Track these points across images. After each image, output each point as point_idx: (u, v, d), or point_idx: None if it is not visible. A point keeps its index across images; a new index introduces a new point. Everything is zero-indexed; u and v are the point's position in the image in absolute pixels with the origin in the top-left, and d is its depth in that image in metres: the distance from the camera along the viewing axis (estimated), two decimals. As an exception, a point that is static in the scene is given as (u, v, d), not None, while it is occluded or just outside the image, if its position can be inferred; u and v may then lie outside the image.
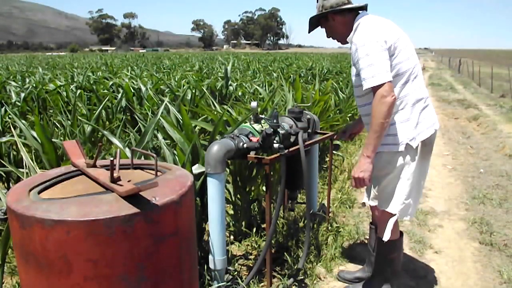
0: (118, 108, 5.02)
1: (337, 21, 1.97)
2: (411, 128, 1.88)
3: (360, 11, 1.97)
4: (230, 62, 8.09)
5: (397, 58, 1.83)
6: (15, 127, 3.45)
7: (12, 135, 3.25)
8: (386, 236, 2.01)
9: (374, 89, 1.77)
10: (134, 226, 1.10)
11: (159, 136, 2.62)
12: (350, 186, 3.95)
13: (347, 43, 2.02)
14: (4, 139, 3.26)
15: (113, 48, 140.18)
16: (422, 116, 1.90)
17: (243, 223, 2.84)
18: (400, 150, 1.88)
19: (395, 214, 1.98)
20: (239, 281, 2.15)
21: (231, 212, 2.94)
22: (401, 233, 2.14)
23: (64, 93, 5.74)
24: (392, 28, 1.88)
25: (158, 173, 1.40)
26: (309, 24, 2.07)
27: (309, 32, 2.10)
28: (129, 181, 1.20)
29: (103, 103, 4.12)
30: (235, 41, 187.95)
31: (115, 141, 2.52)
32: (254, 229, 2.72)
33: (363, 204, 2.21)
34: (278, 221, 2.73)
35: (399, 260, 2.15)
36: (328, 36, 2.07)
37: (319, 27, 2.09)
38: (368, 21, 1.88)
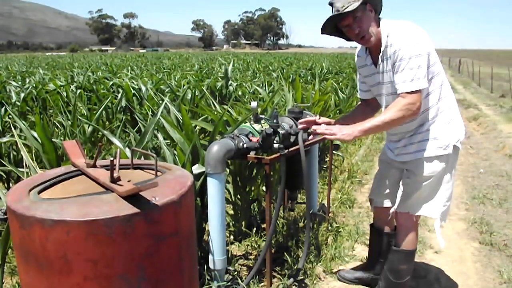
0: (118, 108, 5.02)
1: (372, 15, 1.80)
2: (455, 128, 1.84)
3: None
4: (230, 62, 8.08)
5: (432, 58, 1.77)
6: (15, 127, 3.46)
7: (12, 135, 3.26)
8: (412, 246, 1.98)
9: (406, 92, 1.70)
10: (134, 226, 1.10)
11: (159, 136, 2.62)
12: (350, 186, 3.95)
13: (372, 43, 1.83)
14: (4, 139, 3.26)
15: (113, 48, 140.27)
16: (459, 117, 1.88)
17: (243, 223, 2.84)
18: (446, 153, 1.81)
19: (418, 222, 1.95)
20: (239, 281, 2.15)
21: (231, 212, 2.94)
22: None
23: (64, 93, 5.74)
24: (423, 30, 1.80)
25: (158, 173, 1.40)
26: (358, 3, 1.74)
27: (353, 9, 1.73)
28: (129, 181, 1.20)
29: (104, 103, 4.12)
30: (235, 41, 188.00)
31: (115, 141, 2.52)
32: (254, 229, 2.72)
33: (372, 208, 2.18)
34: (278, 221, 2.73)
35: (408, 273, 2.01)
36: (357, 30, 1.78)
37: (341, 22, 1.81)
38: (402, 23, 1.79)
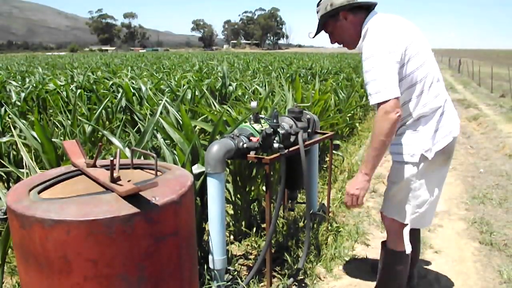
0: (118, 108, 5.02)
1: (349, 21, 1.79)
2: (427, 138, 1.77)
3: (370, 11, 1.82)
4: (224, 61, 8.07)
5: (409, 67, 1.70)
6: (15, 127, 3.45)
7: (12, 135, 3.25)
8: (401, 247, 1.93)
9: (379, 105, 1.64)
10: (134, 226, 1.10)
11: (159, 136, 2.62)
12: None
13: (355, 47, 1.88)
14: (4, 139, 3.26)
15: (113, 48, 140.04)
16: (439, 125, 1.79)
17: (243, 223, 2.84)
18: (413, 161, 1.78)
19: (406, 224, 1.90)
20: (239, 281, 2.15)
21: (231, 212, 2.94)
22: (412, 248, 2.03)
23: (64, 93, 5.74)
24: (404, 31, 1.72)
25: (158, 173, 1.40)
26: (318, 26, 1.88)
27: (313, 36, 1.92)
28: (129, 181, 1.20)
29: (104, 103, 4.12)
30: (235, 41, 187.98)
31: (115, 141, 2.52)
32: (254, 229, 2.72)
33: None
34: (278, 221, 2.73)
35: (405, 273, 2.01)
36: (333, 41, 1.90)
37: (323, 31, 1.91)
38: (378, 25, 1.72)
